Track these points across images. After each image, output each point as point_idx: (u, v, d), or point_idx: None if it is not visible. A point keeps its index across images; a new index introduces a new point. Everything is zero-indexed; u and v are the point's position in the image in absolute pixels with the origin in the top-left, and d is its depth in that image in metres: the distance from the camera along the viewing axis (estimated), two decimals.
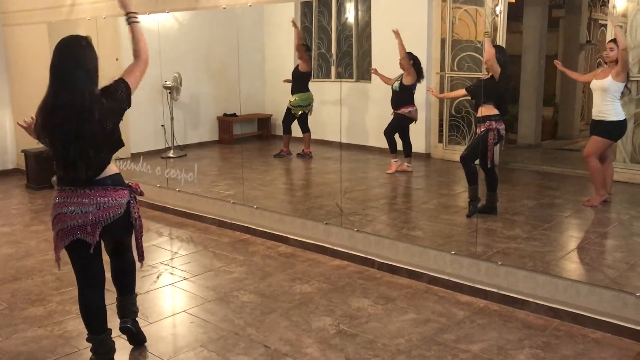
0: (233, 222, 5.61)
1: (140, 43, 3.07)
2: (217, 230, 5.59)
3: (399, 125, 7.02)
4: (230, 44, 6.58)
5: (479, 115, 5.21)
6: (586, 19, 9.98)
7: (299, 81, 8.12)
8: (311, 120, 8.22)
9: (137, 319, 3.39)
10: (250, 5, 5.31)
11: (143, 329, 3.47)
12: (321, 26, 9.39)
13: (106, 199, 2.88)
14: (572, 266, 4.40)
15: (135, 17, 3.09)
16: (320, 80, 9.19)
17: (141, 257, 3.18)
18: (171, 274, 4.52)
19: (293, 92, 8.12)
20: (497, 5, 7.20)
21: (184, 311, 3.83)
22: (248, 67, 8.30)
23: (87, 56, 2.86)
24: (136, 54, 3.06)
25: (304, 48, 8.13)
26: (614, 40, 5.39)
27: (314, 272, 4.51)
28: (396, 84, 6.97)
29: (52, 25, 7.47)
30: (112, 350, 3.13)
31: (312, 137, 8.26)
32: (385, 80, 7.27)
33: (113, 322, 3.23)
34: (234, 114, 9.35)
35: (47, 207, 6.65)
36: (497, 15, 7.22)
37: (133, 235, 3.10)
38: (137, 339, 3.37)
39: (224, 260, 4.80)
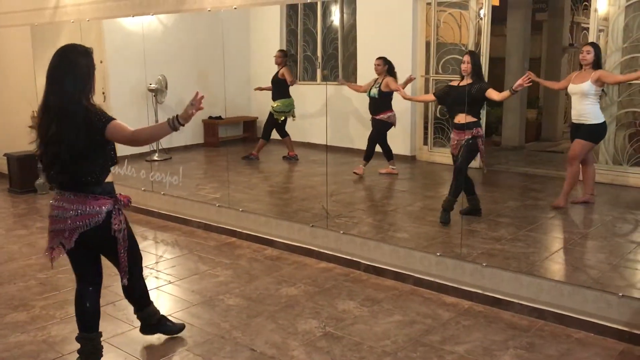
0: (219, 225, 5.59)
1: (148, 131, 2.95)
2: (203, 234, 5.57)
3: (384, 131, 7.01)
4: (215, 47, 6.54)
5: (462, 121, 5.10)
6: (569, 23, 10.09)
7: (280, 87, 8.06)
8: (297, 123, 8.21)
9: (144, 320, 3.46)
10: (235, 8, 5.31)
11: (128, 334, 3.46)
12: (307, 29, 9.40)
13: (84, 207, 2.91)
14: (556, 267, 4.44)
15: (178, 126, 2.91)
16: (306, 83, 9.19)
17: (123, 274, 3.09)
18: (156, 277, 4.50)
19: (274, 99, 8.09)
20: (481, 8, 7.26)
21: (169, 315, 3.80)
22: (234, 69, 8.25)
23: (80, 63, 2.91)
24: (139, 130, 2.92)
25: (282, 54, 8.08)
26: (591, 44, 5.48)
27: (300, 274, 4.51)
28: (374, 91, 6.92)
29: (35, 28, 7.41)
30: (98, 352, 3.14)
31: (299, 139, 8.25)
32: (356, 88, 7.24)
33: (107, 326, 3.20)
34: (219, 116, 9.32)
35: (30, 211, 6.59)
36: (481, 19, 7.27)
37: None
38: (177, 329, 3.51)
39: (210, 263, 4.78)
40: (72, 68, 2.89)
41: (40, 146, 2.93)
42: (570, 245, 4.89)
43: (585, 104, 5.38)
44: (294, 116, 8.17)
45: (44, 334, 3.57)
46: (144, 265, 4.61)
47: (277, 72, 8.11)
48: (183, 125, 2.88)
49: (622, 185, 6.34)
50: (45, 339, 3.52)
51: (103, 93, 7.73)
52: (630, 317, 3.40)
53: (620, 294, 3.47)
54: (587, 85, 5.31)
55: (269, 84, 8.24)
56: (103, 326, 3.56)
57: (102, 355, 3.17)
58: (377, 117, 6.98)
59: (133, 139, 2.88)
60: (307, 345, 3.40)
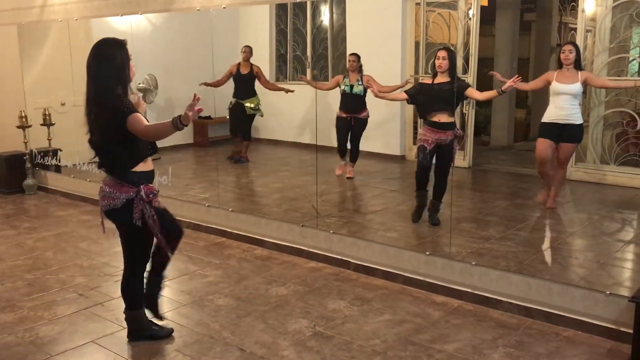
0: (208, 225, 5.58)
1: (155, 128, 3.05)
2: (192, 234, 5.54)
3: (364, 129, 6.94)
4: (205, 46, 6.52)
5: (443, 121, 4.97)
6: (557, 23, 10.15)
7: (250, 85, 7.83)
8: (287, 123, 8.20)
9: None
10: (224, 7, 5.30)
11: (117, 334, 3.45)
12: (296, 29, 9.39)
13: (111, 189, 3.18)
14: (545, 266, 4.47)
15: (180, 126, 2.95)
16: (296, 82, 9.18)
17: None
18: (146, 278, 4.46)
19: (245, 97, 7.83)
20: (469, 8, 7.29)
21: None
22: (223, 69, 8.22)
23: (113, 54, 3.10)
24: (150, 126, 3.06)
25: (249, 49, 7.91)
26: (572, 43, 5.46)
27: (290, 274, 4.51)
28: (360, 88, 6.79)
29: (22, 27, 7.35)
30: (148, 326, 3.48)
31: (289, 139, 8.22)
32: (320, 86, 7.01)
33: (96, 327, 3.18)
34: (209, 116, 9.27)
35: (18, 211, 6.54)
36: (470, 19, 7.31)
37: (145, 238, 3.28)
38: (165, 334, 3.53)
39: (199, 263, 4.76)
40: (105, 60, 3.09)
41: (89, 133, 3.19)
42: (559, 244, 4.92)
43: (574, 105, 5.30)
44: (262, 114, 8.06)
45: (32, 335, 3.55)
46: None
47: (246, 69, 7.81)
48: (186, 125, 2.93)
49: (610, 184, 6.39)
50: (33, 340, 3.49)
51: None
52: (617, 315, 3.43)
53: (608, 292, 3.50)
54: (579, 87, 5.24)
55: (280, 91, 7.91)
56: (91, 327, 3.56)
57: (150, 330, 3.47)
58: (360, 116, 6.89)
59: (144, 133, 3.04)
60: (297, 344, 3.40)
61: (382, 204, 6.19)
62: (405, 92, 5.28)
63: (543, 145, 5.38)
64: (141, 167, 3.21)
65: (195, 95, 2.93)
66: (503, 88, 4.76)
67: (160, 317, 3.60)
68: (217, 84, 7.62)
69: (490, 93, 5.08)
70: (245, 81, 7.82)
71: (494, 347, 3.36)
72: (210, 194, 6.21)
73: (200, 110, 2.89)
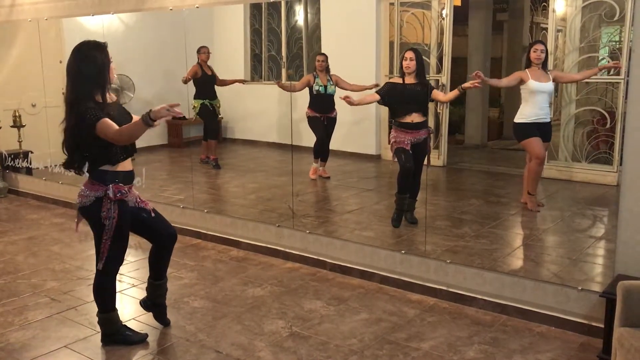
0: (183, 226, 5.52)
1: (127, 129, 3.03)
2: None
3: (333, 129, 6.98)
4: (178, 46, 6.47)
5: (417, 120, 4.99)
6: (529, 23, 10.28)
7: (213, 85, 7.76)
8: (263, 123, 8.17)
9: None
10: (197, 7, 5.26)
11: (91, 338, 3.40)
12: (271, 28, 9.36)
13: (83, 187, 3.24)
14: (518, 262, 4.53)
15: (150, 122, 2.92)
16: (271, 82, 9.16)
17: (100, 258, 3.26)
18: (119, 281, 4.40)
19: (213, 97, 7.75)
20: (443, 8, 7.35)
21: (133, 319, 3.75)
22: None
23: (93, 56, 3.12)
24: (121, 129, 3.04)
25: (208, 49, 7.81)
26: (541, 42, 5.50)
27: (266, 275, 4.49)
28: (333, 88, 6.80)
29: None
30: (122, 330, 3.47)
31: (263, 139, 8.19)
32: (291, 88, 6.91)
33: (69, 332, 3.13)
34: (183, 117, 9.18)
35: None
36: (443, 19, 7.36)
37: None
38: (139, 339, 3.49)
39: (174, 266, 4.71)
40: (85, 62, 3.10)
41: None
42: (532, 241, 4.99)
43: (548, 103, 5.37)
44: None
45: (2, 341, 3.47)
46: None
47: (209, 70, 7.75)
48: (154, 120, 2.89)
49: (581, 181, 6.49)
50: (3, 346, 3.42)
51: (63, 93, 7.56)
52: (588, 310, 3.49)
53: (580, 288, 3.56)
54: (552, 85, 5.32)
55: (235, 83, 7.97)
56: (64, 331, 3.50)
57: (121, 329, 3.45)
58: (332, 115, 6.89)
59: (116, 138, 3.04)
60: (273, 345, 3.39)
61: (358, 204, 6.21)
62: (377, 92, 5.23)
63: (539, 143, 5.32)
64: (115, 167, 3.21)
65: (178, 104, 2.94)
66: (463, 86, 4.78)
67: (166, 323, 3.67)
68: (186, 80, 7.49)
69: (452, 93, 5.14)
70: (210, 82, 7.75)
71: (469, 344, 3.40)
72: (185, 195, 6.15)
73: (176, 113, 2.88)
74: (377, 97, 5.16)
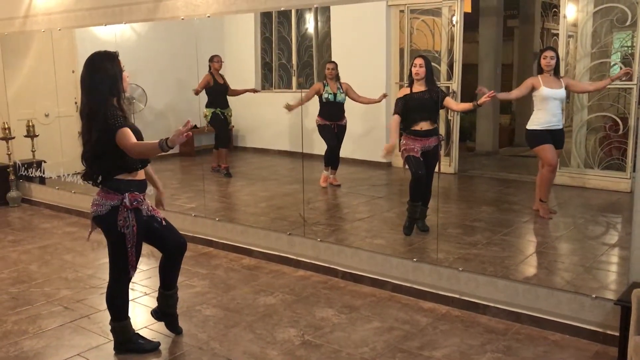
0: (195, 235, 5.54)
1: (142, 147, 3.12)
2: None
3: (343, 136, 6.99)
4: (190, 55, 6.52)
5: (428, 128, 4.98)
6: (539, 29, 10.26)
7: (225, 95, 7.83)
8: (273, 131, 8.19)
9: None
10: (208, 16, 5.30)
11: (104, 346, 3.42)
12: (281, 37, 9.40)
13: (97, 197, 3.26)
14: (531, 270, 4.49)
15: (166, 148, 3.01)
16: (282, 90, 9.18)
17: (131, 267, 3.31)
18: (132, 289, 4.41)
19: (225, 106, 7.82)
20: (453, 15, 7.34)
21: (145, 327, 3.76)
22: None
23: (105, 67, 3.15)
24: (136, 144, 3.12)
25: (220, 58, 7.86)
26: (553, 49, 5.46)
27: (278, 283, 4.49)
28: (342, 96, 6.81)
29: (5, 37, 7.30)
30: (135, 338, 3.47)
31: (274, 147, 8.21)
32: (305, 99, 6.92)
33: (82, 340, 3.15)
34: (195, 125, 9.23)
35: (2, 224, 6.47)
36: (453, 25, 7.36)
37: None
38: (151, 348, 3.49)
39: (186, 274, 4.73)
40: (97, 72, 3.15)
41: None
42: (544, 248, 4.95)
43: (560, 109, 5.34)
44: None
45: (16, 350, 3.50)
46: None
47: (221, 79, 7.82)
48: (171, 147, 2.99)
49: (594, 188, 6.44)
50: (17, 354, 3.44)
51: (76, 103, 7.64)
52: (603, 318, 3.45)
53: (594, 296, 3.53)
54: (564, 92, 5.28)
55: (246, 92, 8.04)
56: (77, 340, 3.52)
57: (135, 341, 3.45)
58: (342, 123, 6.91)
59: (131, 150, 3.09)
60: (285, 354, 3.38)
61: (369, 211, 6.20)
62: (395, 113, 5.07)
63: (551, 150, 5.27)
64: (130, 176, 3.25)
65: (188, 121, 2.98)
66: (479, 102, 4.75)
67: (178, 332, 3.69)
68: (197, 92, 7.61)
69: (465, 105, 5.13)
70: (222, 92, 7.82)
71: (482, 352, 3.37)
72: (197, 204, 6.18)
73: (188, 136, 2.95)
74: (399, 118, 5.03)
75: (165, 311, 3.64)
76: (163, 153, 3.01)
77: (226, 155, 7.91)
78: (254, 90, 7.73)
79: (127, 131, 3.08)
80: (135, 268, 3.38)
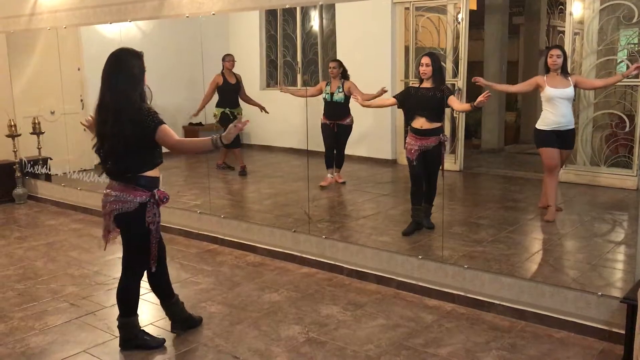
0: (200, 232, 5.56)
1: (192, 144, 3.29)
2: (184, 241, 5.53)
3: (349, 135, 6.94)
4: (195, 53, 6.52)
5: (426, 127, 4.93)
6: (545, 26, 10.22)
7: (236, 95, 7.82)
8: (279, 128, 8.18)
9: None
10: (213, 14, 5.30)
11: (110, 343, 3.44)
12: (286, 34, 9.40)
13: (123, 194, 3.20)
14: (536, 268, 4.48)
15: (220, 144, 3.11)
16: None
17: (153, 262, 3.37)
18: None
19: (235, 105, 7.81)
20: (459, 13, 7.33)
21: (151, 324, 3.77)
22: (213, 75, 8.22)
23: (132, 63, 3.17)
24: (183, 140, 3.25)
25: (233, 58, 7.88)
26: (560, 47, 5.34)
27: (283, 280, 4.50)
28: (340, 95, 6.79)
29: (11, 35, 7.32)
30: (141, 335, 3.47)
31: (280, 145, 8.20)
32: (301, 94, 7.01)
33: (88, 336, 3.16)
34: (200, 123, 9.26)
35: (8, 221, 6.49)
36: (459, 23, 7.34)
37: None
38: (157, 344, 3.49)
39: (191, 271, 4.74)
40: (123, 68, 3.14)
41: (97, 141, 3.23)
42: (550, 246, 4.94)
43: (570, 109, 5.19)
44: None
45: (23, 346, 3.51)
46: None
47: (233, 79, 7.81)
48: (225, 144, 3.07)
49: (600, 185, 6.42)
50: (23, 350, 3.46)
51: (81, 100, 7.67)
52: (609, 316, 3.44)
53: (600, 294, 3.51)
54: (572, 90, 5.12)
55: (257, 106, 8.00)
56: (82, 336, 3.53)
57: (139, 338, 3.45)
58: (344, 123, 6.87)
59: (176, 147, 3.15)
60: (290, 351, 3.39)
61: (374, 209, 6.20)
62: (394, 96, 5.23)
63: (552, 154, 5.18)
64: (154, 173, 3.28)
65: (247, 121, 3.11)
66: (475, 103, 4.66)
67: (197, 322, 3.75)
68: (205, 101, 7.63)
69: (465, 106, 5.15)
70: (234, 91, 7.79)
71: (487, 350, 3.37)
72: (202, 201, 6.19)
73: (240, 129, 3.04)
74: (393, 100, 5.16)
75: (181, 317, 3.66)
76: (218, 145, 3.07)
77: (239, 155, 7.90)
78: (263, 109, 7.71)
79: (167, 128, 3.11)
80: (155, 262, 3.41)
